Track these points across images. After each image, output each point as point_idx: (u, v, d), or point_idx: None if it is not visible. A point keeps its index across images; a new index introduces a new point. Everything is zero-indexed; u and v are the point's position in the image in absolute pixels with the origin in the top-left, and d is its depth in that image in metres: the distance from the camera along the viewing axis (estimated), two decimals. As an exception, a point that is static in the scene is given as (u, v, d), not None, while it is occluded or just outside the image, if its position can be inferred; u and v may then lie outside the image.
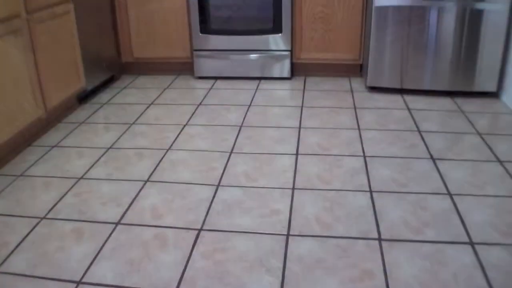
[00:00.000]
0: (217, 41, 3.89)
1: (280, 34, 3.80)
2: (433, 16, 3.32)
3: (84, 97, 3.57)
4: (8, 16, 2.59)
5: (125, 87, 3.89)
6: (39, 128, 3.00)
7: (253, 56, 3.89)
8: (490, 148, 2.67)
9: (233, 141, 2.84)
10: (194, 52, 3.95)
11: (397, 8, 3.35)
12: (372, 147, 2.72)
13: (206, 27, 3.86)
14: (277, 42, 3.83)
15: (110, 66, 3.93)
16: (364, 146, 2.74)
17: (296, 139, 2.84)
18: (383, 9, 3.37)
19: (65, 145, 2.86)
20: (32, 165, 2.62)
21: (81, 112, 3.38)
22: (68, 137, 2.97)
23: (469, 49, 3.36)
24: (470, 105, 3.32)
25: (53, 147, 2.84)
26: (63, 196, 2.29)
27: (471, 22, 3.30)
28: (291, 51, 3.86)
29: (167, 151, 2.74)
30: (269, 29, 3.80)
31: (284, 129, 2.99)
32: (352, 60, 3.88)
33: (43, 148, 2.83)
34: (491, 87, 3.42)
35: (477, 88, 3.44)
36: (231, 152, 2.70)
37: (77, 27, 3.35)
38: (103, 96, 3.69)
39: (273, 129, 2.99)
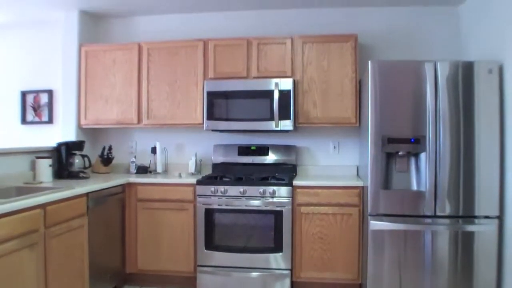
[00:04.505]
0: (220, 258, 4.01)
1: (280, 253, 3.93)
2: (427, 239, 3.49)
3: (85, 309, 3.56)
4: (27, 231, 2.74)
5: (126, 300, 3.90)
6: None
7: (254, 274, 3.96)
8: None
9: None
10: (198, 268, 4.04)
11: (392, 232, 3.54)
12: None
13: (211, 244, 4.03)
14: (277, 261, 3.94)
15: (114, 276, 3.99)
16: None
17: None
18: (379, 233, 3.56)
19: None
20: None
21: (80, 326, 3.34)
22: None
23: (464, 269, 3.47)
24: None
25: None
26: None
27: (463, 243, 3.48)
28: (291, 270, 3.95)
29: None
30: (271, 248, 3.95)
31: None
32: (351, 280, 3.94)
33: None
34: (490, 292, 3.47)
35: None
36: None
37: (88, 239, 3.48)
38: (104, 309, 3.68)
39: None
